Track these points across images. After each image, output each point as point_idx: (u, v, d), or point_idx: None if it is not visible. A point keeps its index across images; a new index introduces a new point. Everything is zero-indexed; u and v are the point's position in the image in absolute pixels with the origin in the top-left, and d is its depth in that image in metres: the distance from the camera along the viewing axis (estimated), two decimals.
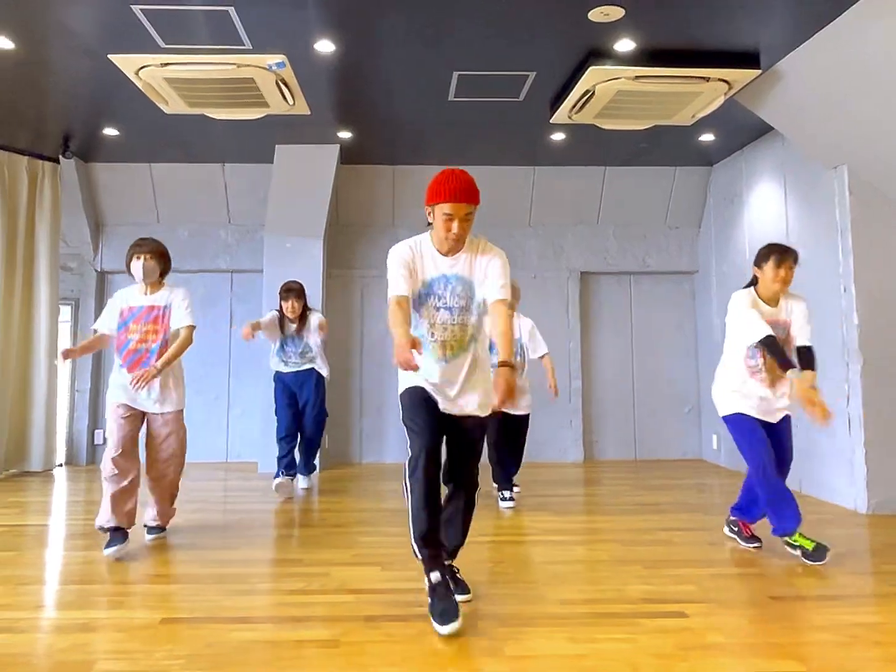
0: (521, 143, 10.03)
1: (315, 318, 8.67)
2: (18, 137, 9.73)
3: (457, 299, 4.80)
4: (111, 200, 11.12)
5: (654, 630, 4.32)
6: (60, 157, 10.33)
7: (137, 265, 6.42)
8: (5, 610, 4.69)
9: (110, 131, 9.48)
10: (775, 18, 6.42)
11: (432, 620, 4.36)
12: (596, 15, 6.29)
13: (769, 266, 6.21)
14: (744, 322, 6.12)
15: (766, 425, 6.17)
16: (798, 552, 5.88)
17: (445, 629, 4.26)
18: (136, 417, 6.36)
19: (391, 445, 10.79)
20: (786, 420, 6.23)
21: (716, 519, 7.03)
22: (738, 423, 6.19)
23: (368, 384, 11.23)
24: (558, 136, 9.66)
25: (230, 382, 11.25)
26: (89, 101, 8.45)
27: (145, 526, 6.57)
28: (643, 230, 11.62)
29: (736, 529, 6.49)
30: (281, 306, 8.57)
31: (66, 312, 11.02)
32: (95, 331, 6.64)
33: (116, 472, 6.15)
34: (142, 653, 3.97)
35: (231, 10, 6.17)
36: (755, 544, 6.28)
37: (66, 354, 6.24)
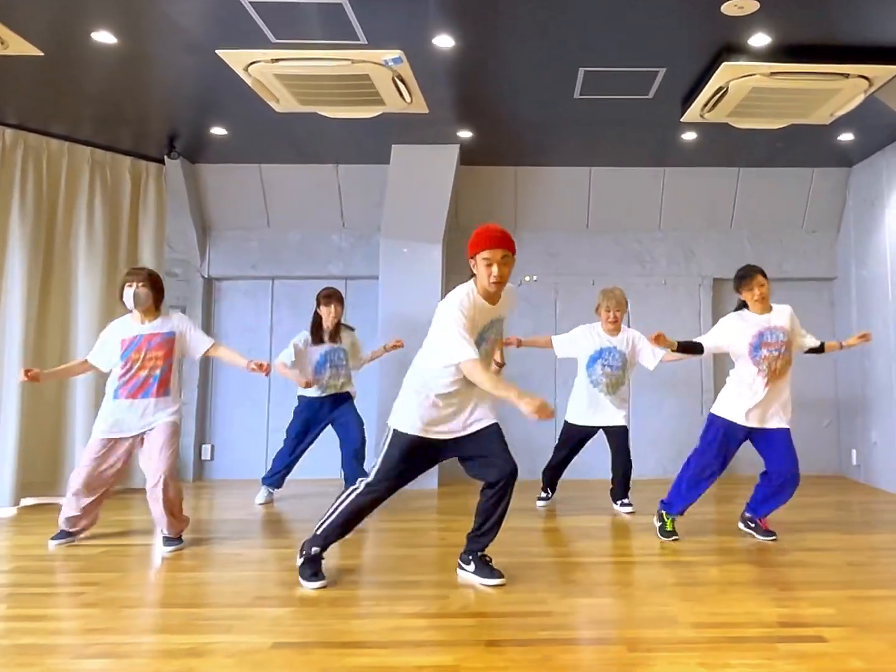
0: (651, 142, 10.01)
1: (352, 339, 9.04)
2: (121, 137, 9.83)
3: (494, 334, 5.69)
4: (219, 203, 11.19)
5: (790, 655, 4.32)
6: (165, 157, 10.39)
7: (129, 292, 6.74)
8: (108, 634, 4.75)
9: (218, 131, 9.56)
10: None
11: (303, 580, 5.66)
12: (729, 8, 6.28)
13: (747, 292, 6.98)
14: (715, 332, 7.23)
15: (755, 434, 7.08)
16: (658, 525, 7.25)
17: (315, 584, 5.62)
18: (118, 451, 6.78)
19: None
20: (783, 433, 7.00)
21: (856, 538, 7.02)
22: (718, 426, 7.13)
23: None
24: (689, 136, 9.63)
25: None
26: (196, 99, 8.57)
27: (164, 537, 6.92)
28: (779, 234, 11.53)
29: (753, 525, 7.11)
30: (319, 313, 8.71)
31: None
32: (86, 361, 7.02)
33: (75, 495, 6.78)
34: None
35: (345, 2, 6.20)
36: (771, 537, 6.95)
37: (31, 377, 6.54)
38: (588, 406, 8.44)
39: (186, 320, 7.13)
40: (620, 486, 8.62)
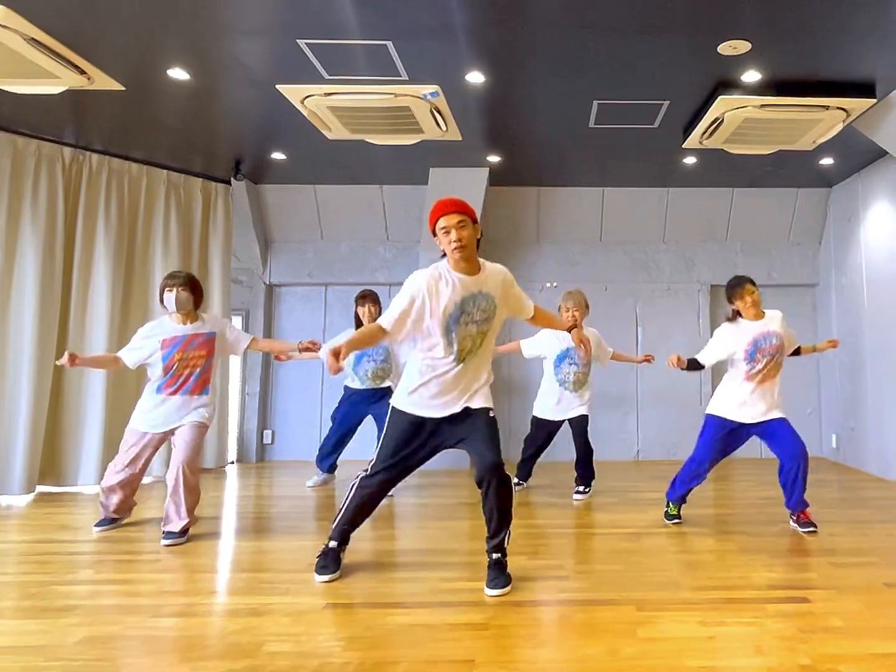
0: (656, 166, 10.03)
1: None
2: (194, 161, 9.90)
3: (481, 313, 5.02)
4: (279, 219, 11.27)
5: (778, 614, 4.37)
6: (232, 179, 10.47)
7: (171, 296, 6.43)
8: (182, 595, 4.80)
9: (278, 155, 9.62)
10: (890, 51, 6.42)
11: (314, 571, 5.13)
12: (725, 49, 6.34)
13: (739, 301, 6.83)
14: (712, 345, 7.01)
15: (758, 430, 6.77)
16: (664, 511, 7.02)
17: (324, 578, 5.08)
18: (152, 442, 6.53)
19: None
20: (782, 422, 6.74)
21: (835, 512, 7.05)
22: (711, 424, 6.81)
23: (516, 392, 11.18)
24: (690, 160, 9.64)
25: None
26: (258, 128, 8.61)
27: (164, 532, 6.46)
28: (768, 246, 11.55)
29: (795, 519, 6.69)
30: (357, 313, 8.45)
31: (237, 322, 11.05)
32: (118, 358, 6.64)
33: (110, 486, 6.54)
34: (306, 635, 4.07)
35: (389, 44, 6.27)
36: (811, 528, 6.50)
37: (72, 360, 6.29)
38: (556, 403, 8.32)
39: (223, 320, 7.04)
40: (583, 467, 8.46)
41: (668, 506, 6.96)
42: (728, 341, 6.80)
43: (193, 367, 6.49)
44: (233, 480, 9.60)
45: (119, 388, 9.19)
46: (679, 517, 6.90)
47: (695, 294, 11.57)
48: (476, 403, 5.09)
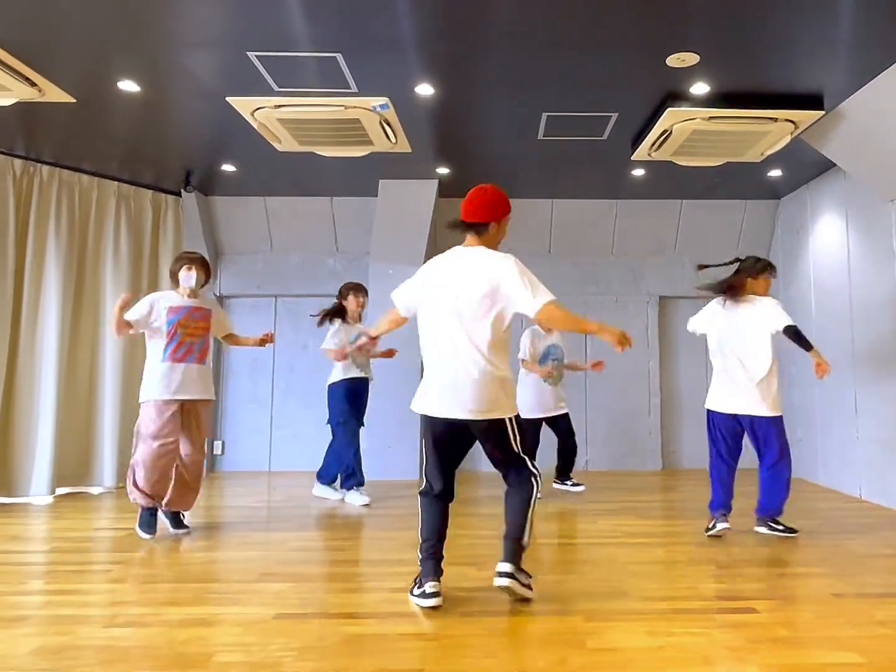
0: (605, 178, 10.06)
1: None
2: (144, 173, 9.86)
3: None
4: (229, 231, 11.23)
5: (726, 624, 4.38)
6: (182, 190, 10.47)
7: (191, 274, 6.77)
8: (133, 606, 4.79)
9: (228, 167, 9.61)
10: (838, 64, 6.46)
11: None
12: (673, 61, 6.36)
13: (763, 280, 7.00)
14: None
15: (746, 423, 6.70)
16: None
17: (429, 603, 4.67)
18: (172, 412, 6.64)
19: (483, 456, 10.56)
20: (769, 420, 6.63)
21: (786, 522, 7.00)
22: (709, 420, 6.90)
23: None
24: (638, 172, 9.68)
25: None
26: (208, 140, 8.59)
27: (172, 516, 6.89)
28: (716, 258, 11.24)
29: (772, 524, 6.77)
30: (344, 304, 8.51)
31: None
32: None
33: (160, 454, 6.58)
34: (257, 646, 4.06)
35: (339, 56, 6.27)
36: (792, 534, 6.65)
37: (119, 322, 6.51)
38: (541, 399, 8.54)
39: (219, 307, 7.26)
40: (569, 464, 8.72)
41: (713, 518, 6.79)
42: (705, 317, 7.12)
43: (196, 337, 6.77)
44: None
45: (71, 396, 9.21)
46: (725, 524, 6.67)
47: (643, 306, 11.58)
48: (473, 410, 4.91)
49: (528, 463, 4.94)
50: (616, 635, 4.21)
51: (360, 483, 8.55)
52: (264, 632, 4.28)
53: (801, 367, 10.08)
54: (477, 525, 7.18)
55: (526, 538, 4.86)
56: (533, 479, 4.91)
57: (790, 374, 10.54)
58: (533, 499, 4.89)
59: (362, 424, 8.68)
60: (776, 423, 6.66)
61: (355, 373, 8.53)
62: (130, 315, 6.65)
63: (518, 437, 4.87)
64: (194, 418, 6.81)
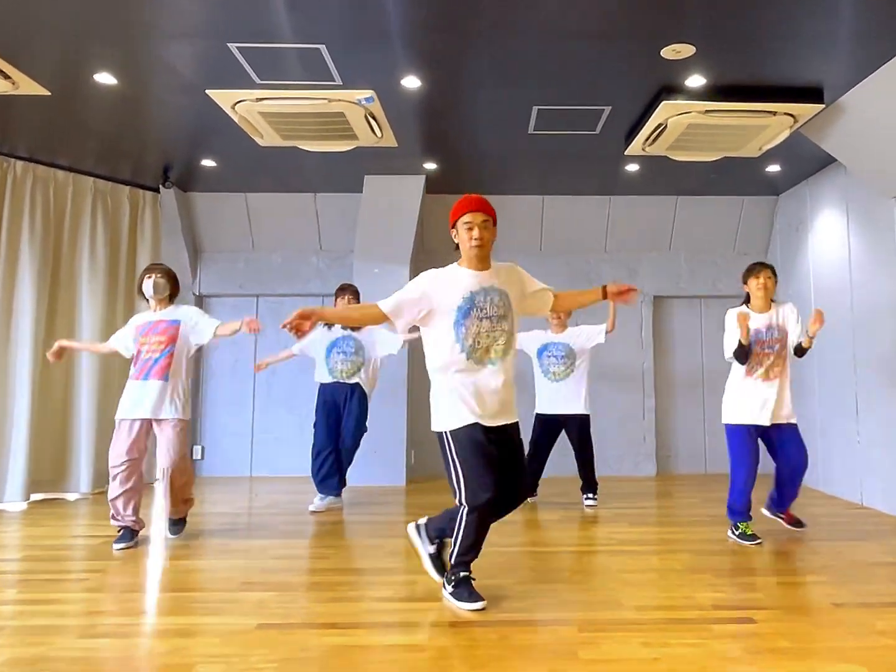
0: (597, 173, 10.05)
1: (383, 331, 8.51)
2: (121, 168, 9.85)
3: (495, 308, 5.01)
4: (209, 228, 11.22)
5: (723, 635, 4.35)
6: (160, 186, 10.46)
7: (149, 283, 6.83)
8: (110, 616, 4.77)
9: (208, 162, 9.60)
10: (838, 56, 6.46)
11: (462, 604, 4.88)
12: (668, 53, 6.35)
13: (752, 280, 6.81)
14: (726, 337, 6.87)
15: (766, 431, 6.77)
16: (737, 534, 6.82)
17: (477, 605, 4.83)
18: (135, 431, 6.72)
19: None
20: (794, 428, 6.75)
21: (782, 530, 7.02)
22: (732, 434, 6.85)
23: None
24: (632, 167, 9.69)
25: None
26: (188, 134, 8.58)
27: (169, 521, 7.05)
28: (713, 256, 11.58)
29: (781, 516, 7.04)
30: (335, 305, 8.57)
31: None
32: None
33: (116, 476, 6.68)
34: (238, 657, 4.04)
35: (322, 48, 6.26)
36: (801, 528, 6.93)
37: (59, 354, 6.97)
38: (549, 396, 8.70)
39: (195, 311, 7.13)
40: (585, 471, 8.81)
41: (738, 528, 6.84)
42: (732, 325, 6.84)
43: (156, 353, 6.77)
44: (161, 498, 9.40)
45: (45, 400, 9.22)
46: (757, 536, 6.72)
47: (637, 305, 11.51)
48: (508, 418, 5.10)
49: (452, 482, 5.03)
50: (610, 646, 4.19)
51: (329, 491, 8.63)
52: (246, 643, 4.25)
53: (799, 367, 10.08)
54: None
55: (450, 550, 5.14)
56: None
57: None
58: (459, 517, 5.02)
59: (338, 437, 8.67)
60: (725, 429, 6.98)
61: (325, 378, 8.62)
62: (117, 345, 7.03)
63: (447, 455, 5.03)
64: (162, 437, 6.80)
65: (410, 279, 9.02)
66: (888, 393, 8.16)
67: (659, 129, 7.73)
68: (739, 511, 6.85)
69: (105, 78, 6.90)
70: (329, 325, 8.55)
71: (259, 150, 8.67)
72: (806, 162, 9.48)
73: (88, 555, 6.48)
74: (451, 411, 5.00)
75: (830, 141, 8.01)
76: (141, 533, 6.87)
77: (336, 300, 8.60)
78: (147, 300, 6.97)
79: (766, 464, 6.99)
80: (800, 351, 6.80)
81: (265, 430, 11.28)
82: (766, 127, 7.59)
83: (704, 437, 11.66)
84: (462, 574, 5.02)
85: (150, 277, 6.83)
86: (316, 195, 10.98)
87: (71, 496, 9.43)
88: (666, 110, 7.28)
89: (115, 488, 6.66)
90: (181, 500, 6.96)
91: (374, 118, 7.61)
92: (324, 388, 8.65)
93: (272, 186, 10.67)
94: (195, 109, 7.67)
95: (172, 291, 6.99)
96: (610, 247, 11.58)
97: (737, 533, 6.80)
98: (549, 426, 8.68)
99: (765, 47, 6.32)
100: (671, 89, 7.12)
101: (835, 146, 8.08)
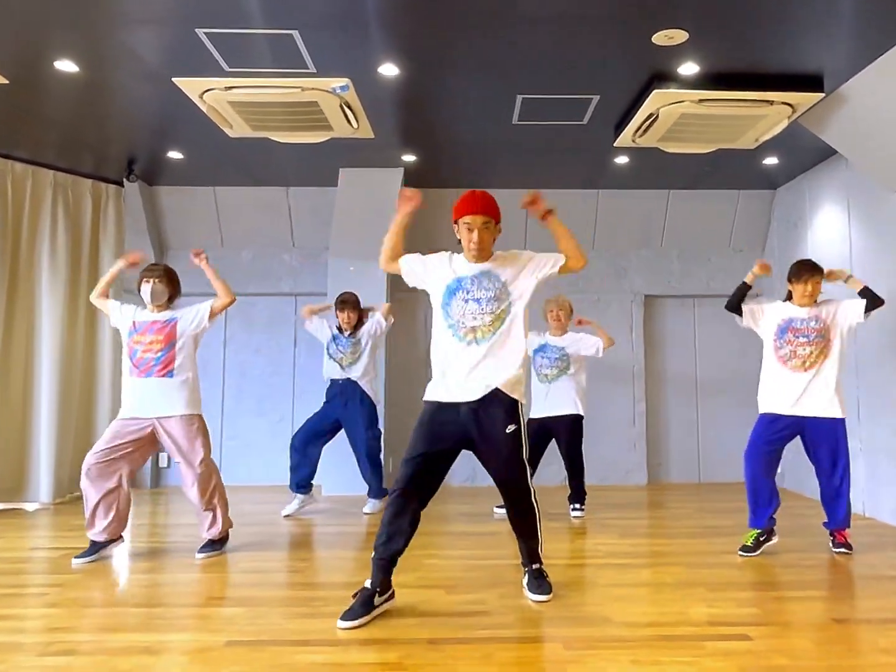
0: (585, 166, 10.06)
1: (375, 318, 8.87)
2: (83, 160, 9.84)
3: (484, 291, 5.27)
4: (175, 224, 11.21)
5: (717, 652, 4.34)
6: (124, 180, 10.42)
7: (147, 288, 6.85)
8: (69, 632, 4.75)
9: (174, 155, 9.57)
10: (839, 42, 6.46)
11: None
12: (660, 38, 6.34)
13: (797, 283, 6.81)
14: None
15: (801, 425, 6.76)
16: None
17: (343, 624, 4.77)
18: (133, 433, 6.62)
19: (454, 468, 10.52)
20: (833, 423, 6.68)
21: (780, 542, 7.00)
22: (757, 423, 6.89)
23: None
24: (622, 160, 9.69)
25: (294, 405, 11.23)
26: (153, 125, 8.56)
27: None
28: (707, 253, 11.59)
29: (832, 539, 6.93)
30: (337, 317, 8.75)
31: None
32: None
33: (88, 480, 6.54)
34: None
35: (295, 33, 6.24)
36: (846, 550, 6.75)
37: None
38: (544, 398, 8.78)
39: (189, 307, 7.16)
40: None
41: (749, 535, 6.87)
42: (767, 307, 6.98)
43: (156, 352, 6.73)
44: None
45: (3, 405, 9.18)
46: (753, 549, 6.76)
47: (628, 305, 11.56)
48: (496, 383, 5.20)
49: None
50: (598, 664, 4.17)
51: (297, 488, 8.79)
52: (214, 660, 4.24)
53: None
54: (447, 545, 7.18)
55: None
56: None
57: None
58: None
59: (321, 436, 8.80)
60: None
61: (329, 366, 8.86)
62: (111, 308, 7.04)
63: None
64: (170, 439, 6.70)
65: (387, 277, 9.05)
66: (891, 398, 8.16)
67: (650, 120, 7.71)
68: (750, 514, 6.89)
69: (66, 65, 6.86)
70: (341, 330, 8.83)
71: (228, 141, 8.64)
72: (805, 154, 9.48)
73: (48, 568, 6.45)
74: (431, 384, 5.34)
75: (831, 131, 8.01)
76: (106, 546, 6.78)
77: (336, 314, 8.77)
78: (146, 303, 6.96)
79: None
80: (869, 301, 6.80)
81: (235, 436, 11.22)
82: (762, 117, 7.58)
83: (698, 445, 11.65)
84: (367, 583, 5.11)
85: (147, 282, 6.84)
86: (288, 189, 10.97)
87: (30, 506, 9.39)
88: (657, 99, 7.26)
89: (86, 485, 6.54)
90: (222, 506, 6.87)
91: (349, 108, 7.58)
92: (331, 385, 8.85)
93: (242, 180, 10.65)
94: (161, 98, 7.65)
95: (171, 294, 7.04)
96: (598, 243, 11.54)
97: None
98: (539, 431, 8.64)
99: (761, 33, 6.31)
100: (663, 77, 7.10)
101: (835, 137, 8.08)
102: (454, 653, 4.37)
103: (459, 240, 5.40)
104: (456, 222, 5.40)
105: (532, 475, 8.29)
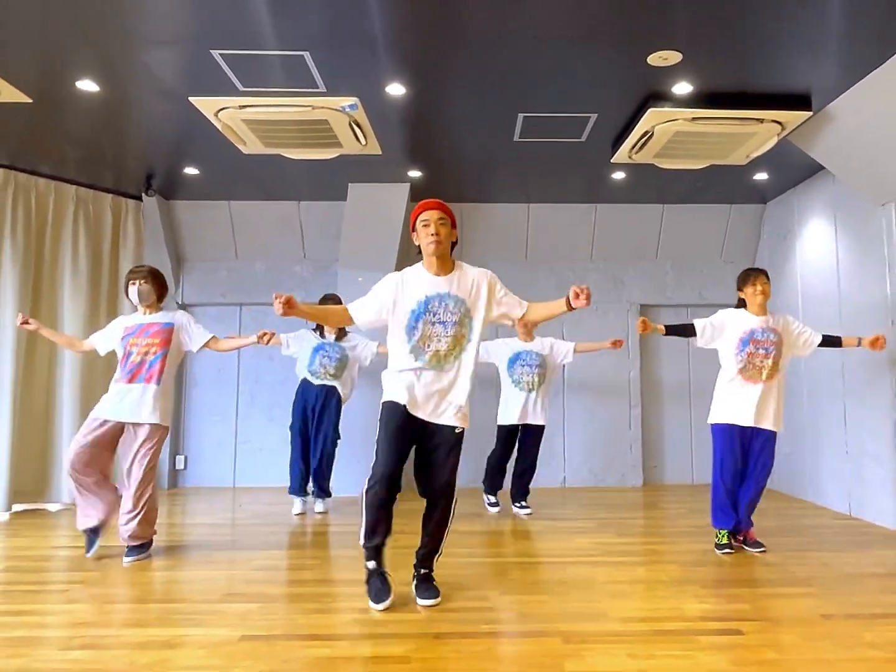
0: (583, 181, 10.05)
1: (371, 347, 8.95)
2: (103, 176, 9.84)
3: (449, 314, 5.24)
4: (192, 237, 11.19)
5: (710, 647, 4.36)
6: (143, 194, 10.39)
7: (133, 290, 6.76)
8: (91, 627, 4.77)
9: (191, 170, 9.57)
10: (826, 63, 6.46)
11: (369, 601, 5.04)
12: (655, 59, 6.35)
13: (748, 287, 6.85)
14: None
15: (749, 435, 6.82)
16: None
17: (379, 606, 4.97)
18: (107, 431, 6.58)
19: (461, 467, 10.52)
20: (772, 435, 6.81)
21: (769, 540, 7.02)
22: (719, 434, 6.91)
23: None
24: (619, 175, 9.68)
25: None
26: (170, 142, 8.56)
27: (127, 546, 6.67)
28: (700, 265, 11.59)
29: (741, 539, 6.98)
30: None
31: None
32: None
33: (75, 478, 6.54)
34: (221, 668, 4.05)
35: (306, 54, 6.26)
36: (760, 549, 6.81)
37: (24, 321, 6.89)
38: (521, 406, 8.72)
39: (188, 316, 7.06)
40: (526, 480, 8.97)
41: (716, 535, 6.92)
42: (727, 319, 6.96)
43: (151, 355, 6.67)
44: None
45: (27, 410, 9.19)
46: (730, 546, 6.83)
47: (624, 314, 11.54)
48: (445, 419, 5.26)
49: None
50: (595, 658, 4.20)
51: (294, 491, 8.90)
52: (229, 654, 4.26)
53: (789, 378, 10.08)
54: (451, 543, 7.17)
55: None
56: None
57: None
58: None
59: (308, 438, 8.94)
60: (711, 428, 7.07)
61: (307, 374, 8.87)
62: (98, 344, 6.99)
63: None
64: (137, 442, 6.62)
65: None
66: (876, 402, 8.18)
67: (645, 137, 7.72)
68: (720, 516, 6.89)
69: (87, 85, 6.88)
70: (320, 331, 8.84)
71: (242, 157, 8.64)
72: (794, 170, 9.49)
73: (69, 565, 6.47)
74: (389, 389, 5.35)
75: (818, 148, 8.02)
76: (124, 544, 6.69)
77: None
78: (135, 305, 6.92)
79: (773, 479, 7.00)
80: (829, 342, 7.00)
81: (248, 440, 11.24)
82: (753, 134, 7.58)
83: (691, 448, 11.64)
84: (370, 565, 5.24)
85: (133, 284, 6.77)
86: (299, 203, 10.95)
87: (53, 507, 9.40)
88: (652, 118, 7.27)
89: (74, 492, 6.58)
90: (147, 520, 6.66)
91: (358, 125, 7.59)
92: (303, 384, 8.91)
93: (255, 194, 10.64)
94: (178, 117, 7.65)
95: (159, 294, 6.93)
96: (596, 256, 11.56)
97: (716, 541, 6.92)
98: (513, 436, 8.77)
99: (752, 54, 6.32)
100: (658, 96, 7.11)
101: (823, 154, 8.09)
102: (458, 647, 4.39)
103: (419, 250, 5.39)
104: (414, 229, 5.38)
105: (504, 477, 8.38)
